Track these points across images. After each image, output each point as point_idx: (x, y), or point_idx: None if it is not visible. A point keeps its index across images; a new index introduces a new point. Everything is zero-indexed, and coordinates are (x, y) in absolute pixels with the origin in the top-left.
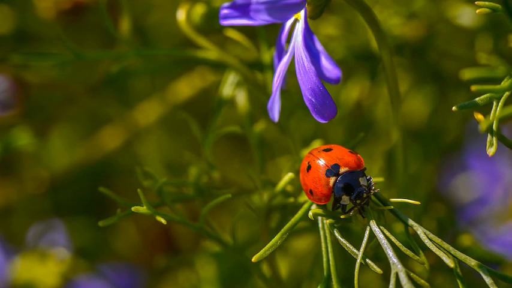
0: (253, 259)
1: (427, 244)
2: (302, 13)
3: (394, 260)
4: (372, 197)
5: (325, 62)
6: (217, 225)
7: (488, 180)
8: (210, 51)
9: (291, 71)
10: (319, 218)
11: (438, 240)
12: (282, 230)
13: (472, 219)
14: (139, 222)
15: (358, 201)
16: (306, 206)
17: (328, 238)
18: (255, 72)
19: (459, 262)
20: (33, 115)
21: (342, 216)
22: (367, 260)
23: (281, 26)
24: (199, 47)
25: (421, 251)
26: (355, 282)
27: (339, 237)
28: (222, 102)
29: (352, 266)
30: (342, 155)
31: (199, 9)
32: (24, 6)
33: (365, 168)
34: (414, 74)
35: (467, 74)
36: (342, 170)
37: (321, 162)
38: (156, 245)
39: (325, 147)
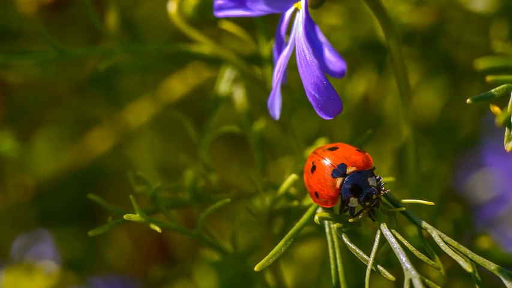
0: (256, 268)
1: (443, 248)
2: (302, 2)
3: (408, 265)
4: (382, 198)
5: (328, 54)
6: (216, 232)
7: (506, 177)
8: (204, 45)
9: (292, 64)
10: (326, 222)
11: (454, 243)
12: (286, 236)
13: (491, 219)
14: (132, 231)
15: (367, 203)
16: (311, 209)
17: (336, 243)
18: (253, 67)
19: (477, 266)
20: (16, 118)
21: (350, 220)
22: (379, 266)
23: (280, 16)
24: (192, 41)
25: (436, 256)
26: None
27: (348, 242)
28: (218, 100)
29: (363, 273)
30: (349, 154)
31: (192, 0)
32: (2, 1)
33: (374, 168)
34: (424, 64)
35: (481, 63)
36: (349, 170)
37: (327, 162)
38: (151, 254)
39: (331, 145)
